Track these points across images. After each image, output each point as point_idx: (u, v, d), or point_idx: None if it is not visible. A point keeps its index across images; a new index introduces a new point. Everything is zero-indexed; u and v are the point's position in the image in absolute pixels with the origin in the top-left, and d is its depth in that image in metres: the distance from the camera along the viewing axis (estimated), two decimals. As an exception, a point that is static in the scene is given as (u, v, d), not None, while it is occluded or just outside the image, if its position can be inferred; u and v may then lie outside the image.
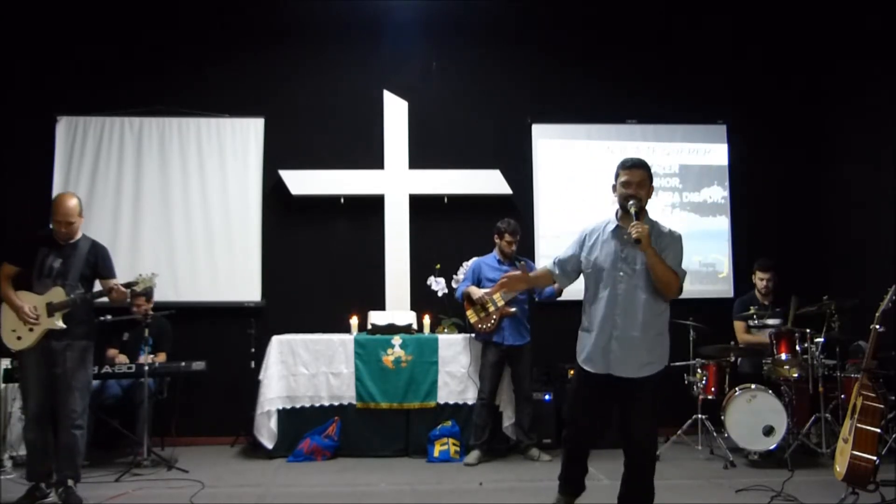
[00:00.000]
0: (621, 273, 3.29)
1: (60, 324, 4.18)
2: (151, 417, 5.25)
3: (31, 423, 4.27)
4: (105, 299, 4.48)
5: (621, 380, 3.29)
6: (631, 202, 3.27)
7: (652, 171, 3.45)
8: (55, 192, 5.95)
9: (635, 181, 3.31)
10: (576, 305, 3.69)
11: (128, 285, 4.32)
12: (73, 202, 4.31)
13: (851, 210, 6.36)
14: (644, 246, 3.18)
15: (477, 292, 5.43)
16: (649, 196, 3.39)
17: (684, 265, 3.40)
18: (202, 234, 6.35)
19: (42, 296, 4.20)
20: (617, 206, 3.41)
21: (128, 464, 5.03)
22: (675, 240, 3.36)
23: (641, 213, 3.30)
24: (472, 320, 5.49)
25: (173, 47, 6.48)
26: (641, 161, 3.39)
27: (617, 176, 3.38)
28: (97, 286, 4.40)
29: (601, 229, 3.43)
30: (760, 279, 5.82)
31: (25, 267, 4.28)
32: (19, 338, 4.19)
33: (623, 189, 3.32)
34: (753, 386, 5.17)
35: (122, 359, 5.52)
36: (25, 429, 4.35)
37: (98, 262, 4.38)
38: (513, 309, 5.39)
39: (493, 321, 5.41)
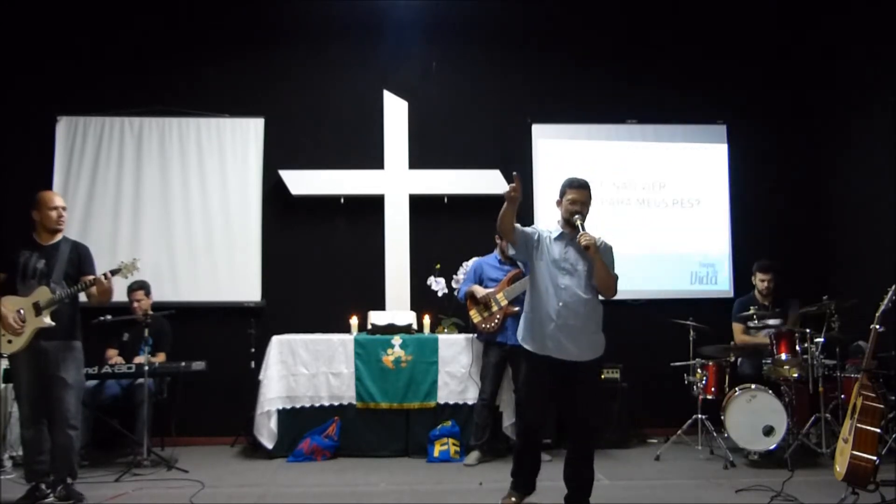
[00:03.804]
0: (564, 271, 3.85)
1: (49, 321, 4.16)
2: (151, 417, 5.23)
3: (25, 423, 4.27)
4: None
5: (566, 363, 3.81)
6: (577, 216, 3.80)
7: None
8: (55, 191, 5.92)
9: (581, 200, 3.85)
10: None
11: (112, 273, 4.29)
12: (56, 193, 4.45)
13: (851, 210, 6.35)
14: (592, 252, 3.71)
15: (481, 291, 5.43)
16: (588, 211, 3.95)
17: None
18: (202, 234, 6.35)
19: (27, 297, 4.18)
20: (561, 216, 3.94)
21: (128, 464, 5.03)
22: (607, 249, 3.90)
23: (583, 225, 3.84)
24: (475, 320, 5.49)
25: (173, 47, 6.48)
26: (587, 182, 3.93)
27: (563, 193, 3.92)
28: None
29: (548, 233, 3.97)
30: (761, 280, 5.81)
31: (7, 272, 4.26)
32: (9, 341, 4.17)
33: (570, 206, 3.86)
34: (753, 386, 5.17)
35: (119, 360, 5.50)
36: (21, 428, 4.35)
37: (81, 260, 4.37)
38: (516, 308, 5.37)
39: (496, 321, 5.40)
